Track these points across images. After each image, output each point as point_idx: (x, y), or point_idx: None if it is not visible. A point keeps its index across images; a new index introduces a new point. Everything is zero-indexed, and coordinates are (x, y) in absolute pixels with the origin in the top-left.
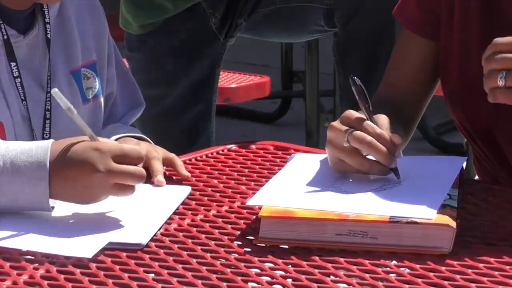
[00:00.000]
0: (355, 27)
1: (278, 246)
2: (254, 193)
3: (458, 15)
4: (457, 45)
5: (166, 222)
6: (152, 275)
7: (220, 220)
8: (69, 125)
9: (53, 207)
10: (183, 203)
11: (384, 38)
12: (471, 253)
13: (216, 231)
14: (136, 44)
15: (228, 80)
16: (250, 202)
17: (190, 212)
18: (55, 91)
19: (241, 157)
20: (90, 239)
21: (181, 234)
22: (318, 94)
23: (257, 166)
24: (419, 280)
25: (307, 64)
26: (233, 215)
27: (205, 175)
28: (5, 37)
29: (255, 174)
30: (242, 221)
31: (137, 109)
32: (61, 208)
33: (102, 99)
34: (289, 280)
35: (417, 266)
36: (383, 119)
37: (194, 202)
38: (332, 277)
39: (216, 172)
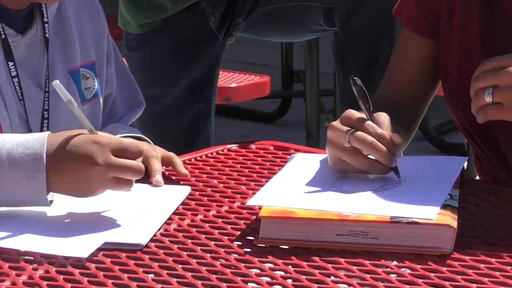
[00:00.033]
0: (354, 26)
1: (278, 246)
2: (254, 193)
3: (459, 15)
4: (458, 45)
5: (165, 223)
6: (152, 275)
7: (220, 220)
8: (67, 124)
9: (51, 201)
10: (182, 203)
11: (383, 37)
12: (472, 254)
13: (216, 231)
14: (135, 44)
15: (228, 79)
16: (250, 202)
17: (189, 212)
18: (56, 82)
19: (241, 157)
20: (88, 239)
21: (180, 234)
22: (319, 93)
23: (257, 166)
24: (420, 280)
25: (307, 63)
26: (233, 215)
27: (205, 175)
28: (3, 36)
29: (255, 174)
30: (242, 222)
31: (137, 109)
32: (60, 208)
33: (101, 99)
34: (289, 281)
35: (418, 266)
36: (383, 117)
37: (193, 202)
38: (332, 277)
39: (216, 172)
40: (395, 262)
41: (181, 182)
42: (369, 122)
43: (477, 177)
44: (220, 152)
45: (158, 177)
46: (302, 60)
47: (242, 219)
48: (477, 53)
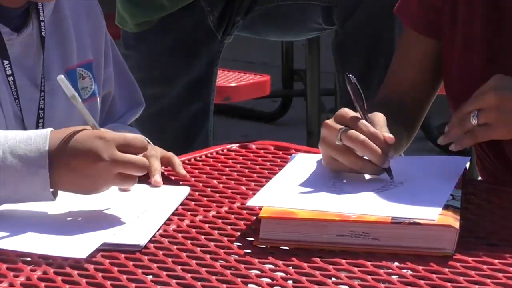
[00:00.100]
0: (354, 25)
1: (279, 247)
2: (254, 194)
3: (463, 9)
4: (461, 39)
5: (165, 223)
6: (151, 276)
7: (219, 221)
8: (62, 124)
9: (55, 194)
10: (182, 204)
11: (383, 36)
12: (474, 255)
13: (216, 232)
14: (132, 42)
15: (228, 79)
16: (250, 202)
17: (189, 213)
18: (61, 77)
19: (241, 157)
20: (87, 240)
21: (180, 235)
22: (319, 93)
23: (257, 166)
24: (422, 282)
25: (308, 62)
26: (233, 216)
27: (204, 175)
28: None
29: (255, 175)
30: (242, 222)
31: (136, 108)
32: (58, 208)
33: (98, 99)
34: (290, 282)
35: (420, 267)
36: (378, 117)
37: (193, 202)
38: (333, 278)
39: (216, 172)
40: (396, 263)
41: (181, 183)
42: (363, 121)
43: (479, 177)
44: (220, 152)
45: (157, 177)
46: (302, 59)
47: (242, 219)
48: (480, 48)
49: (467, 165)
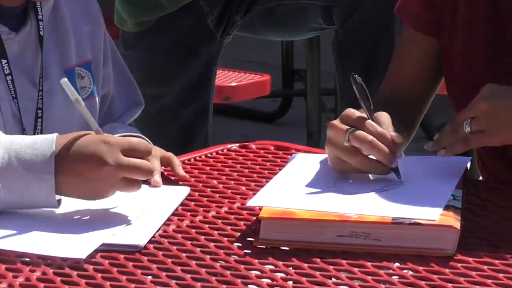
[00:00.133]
0: (354, 25)
1: (279, 247)
2: (254, 194)
3: (463, 8)
4: (462, 38)
5: (164, 224)
6: (150, 277)
7: (219, 221)
8: (61, 123)
9: (59, 201)
10: (182, 204)
11: (383, 35)
12: (475, 255)
13: (216, 232)
14: (131, 42)
15: (228, 78)
16: (250, 203)
17: (189, 213)
18: (64, 80)
19: (241, 157)
20: (86, 240)
21: (180, 235)
22: (320, 92)
23: (257, 166)
24: (423, 282)
25: (308, 62)
26: (232, 216)
27: (204, 176)
28: None
29: (255, 175)
30: (242, 222)
31: (135, 108)
32: (58, 208)
33: (97, 99)
34: (290, 283)
35: (421, 268)
36: (384, 116)
37: (193, 203)
38: (333, 279)
39: (216, 172)
40: (397, 264)
41: (180, 183)
42: (370, 121)
43: (480, 177)
44: (220, 152)
45: (157, 177)
46: (303, 58)
47: (242, 220)
48: (481, 48)
49: (468, 165)
